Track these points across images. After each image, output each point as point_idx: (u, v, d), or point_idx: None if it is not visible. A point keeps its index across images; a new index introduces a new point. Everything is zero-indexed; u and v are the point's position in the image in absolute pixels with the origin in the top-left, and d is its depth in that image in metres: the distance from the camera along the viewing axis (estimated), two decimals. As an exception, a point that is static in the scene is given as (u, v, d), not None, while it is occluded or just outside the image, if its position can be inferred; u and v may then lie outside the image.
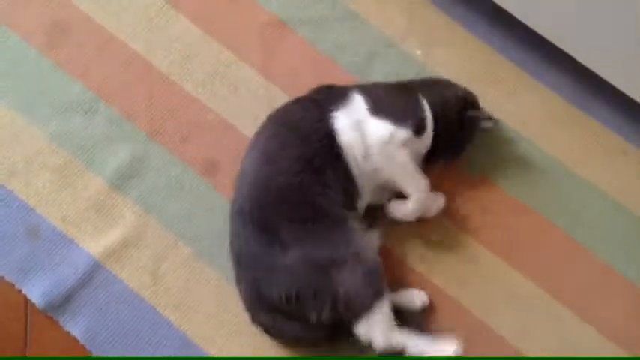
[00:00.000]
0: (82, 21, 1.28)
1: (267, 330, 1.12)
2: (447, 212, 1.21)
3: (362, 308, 1.05)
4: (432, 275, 1.18)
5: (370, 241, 1.11)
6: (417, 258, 1.18)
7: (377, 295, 1.06)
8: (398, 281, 1.16)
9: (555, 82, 1.29)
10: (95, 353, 1.11)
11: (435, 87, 1.19)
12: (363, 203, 1.15)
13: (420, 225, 1.19)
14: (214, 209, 1.18)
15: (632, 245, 1.21)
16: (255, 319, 1.11)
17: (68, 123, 1.22)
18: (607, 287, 1.19)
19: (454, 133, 1.17)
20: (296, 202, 1.08)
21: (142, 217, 1.18)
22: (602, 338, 1.16)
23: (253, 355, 1.13)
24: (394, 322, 1.08)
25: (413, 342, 1.08)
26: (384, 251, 1.17)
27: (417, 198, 1.14)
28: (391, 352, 1.07)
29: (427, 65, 1.28)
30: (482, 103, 1.24)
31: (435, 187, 1.21)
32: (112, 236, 1.16)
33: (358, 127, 1.11)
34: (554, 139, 1.26)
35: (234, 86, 1.25)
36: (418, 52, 1.29)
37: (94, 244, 1.16)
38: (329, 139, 1.10)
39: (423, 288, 1.17)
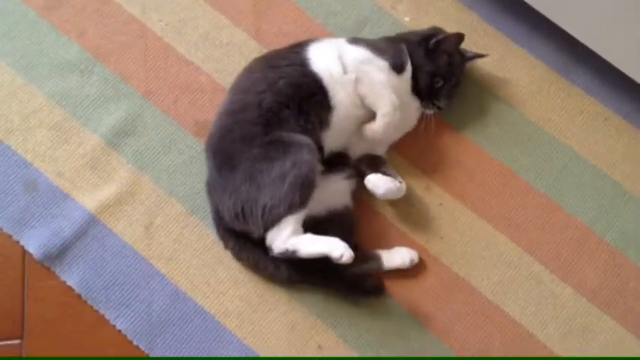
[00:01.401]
0: (79, -16, 1.31)
1: (236, 256, 1.17)
2: (433, 175, 1.24)
3: (275, 219, 1.08)
4: (414, 234, 1.21)
5: (313, 162, 1.09)
6: (401, 217, 1.22)
7: (291, 208, 1.07)
8: (382, 239, 1.20)
9: (540, 50, 1.32)
10: (90, 302, 1.15)
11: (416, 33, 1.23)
12: (333, 139, 1.16)
13: (407, 189, 1.21)
14: (205, 167, 1.20)
15: (611, 208, 1.24)
16: (226, 246, 1.16)
17: (65, 82, 1.25)
18: (585, 248, 1.22)
19: (432, 70, 1.19)
20: (252, 122, 1.10)
21: (135, 173, 1.21)
22: (579, 297, 1.19)
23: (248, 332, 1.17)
24: (300, 233, 1.09)
25: (309, 247, 1.08)
26: (370, 210, 1.21)
27: (385, 112, 1.15)
28: (288, 257, 1.09)
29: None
30: (468, 71, 1.27)
31: (423, 150, 1.25)
32: (107, 192, 1.20)
33: (335, 52, 1.16)
34: (538, 105, 1.29)
35: (227, 50, 1.28)
36: (406, 19, 1.32)
37: (89, 199, 1.19)
38: (300, 65, 1.14)
39: (405, 244, 1.20)
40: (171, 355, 1.14)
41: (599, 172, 1.26)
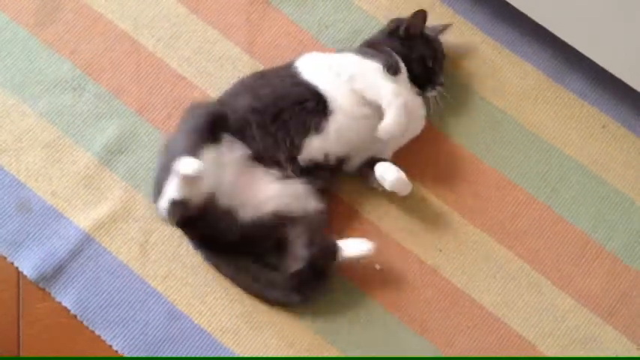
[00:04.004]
0: (71, 1, 1.30)
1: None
2: (430, 186, 1.23)
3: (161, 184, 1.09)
4: (411, 246, 1.20)
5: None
6: (398, 229, 1.21)
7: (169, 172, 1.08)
8: (379, 251, 1.17)
9: (534, 56, 1.31)
10: (86, 323, 1.14)
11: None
12: (333, 143, 1.15)
13: (404, 200, 1.21)
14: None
15: (610, 217, 1.23)
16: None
17: (57, 100, 1.24)
18: (585, 257, 1.21)
19: (420, 56, 1.21)
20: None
21: (129, 191, 1.20)
22: (581, 307, 1.18)
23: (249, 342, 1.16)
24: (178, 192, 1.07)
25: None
26: (366, 222, 1.20)
27: (390, 101, 1.13)
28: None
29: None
30: (458, 76, 1.27)
31: (419, 161, 1.24)
32: (101, 210, 1.19)
33: (324, 61, 1.18)
34: (534, 112, 1.29)
35: (220, 64, 1.28)
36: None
37: (84, 218, 1.18)
38: (290, 76, 1.17)
39: (402, 257, 1.19)
40: (169, 374, 1.13)
41: (599, 180, 1.25)
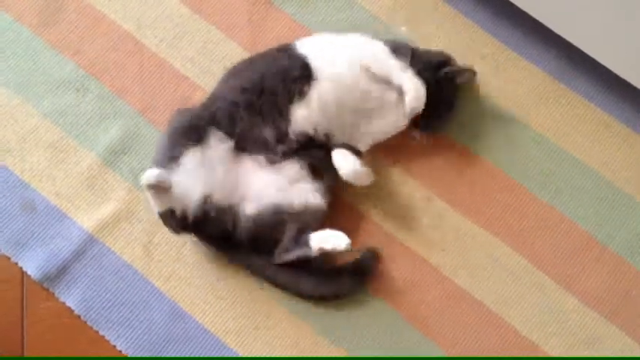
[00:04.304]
0: (74, 1, 1.30)
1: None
2: (434, 186, 1.23)
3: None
4: (415, 246, 1.20)
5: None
6: (401, 229, 1.21)
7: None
8: (382, 251, 1.19)
9: (539, 58, 1.30)
10: (90, 323, 1.14)
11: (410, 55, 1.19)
12: (317, 114, 1.13)
13: (407, 198, 1.21)
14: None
15: (614, 216, 1.23)
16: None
17: (61, 101, 1.24)
18: (589, 257, 1.21)
19: (436, 96, 1.15)
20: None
21: (133, 192, 1.20)
22: (584, 306, 1.18)
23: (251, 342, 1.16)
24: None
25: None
26: (369, 222, 1.20)
27: (407, 76, 1.12)
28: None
29: (412, 41, 1.30)
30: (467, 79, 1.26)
31: (422, 161, 1.24)
32: (105, 210, 1.19)
33: (327, 39, 1.18)
34: (539, 113, 1.28)
35: (223, 64, 1.27)
36: (403, 29, 1.31)
37: (87, 218, 1.19)
38: (285, 51, 1.17)
39: (406, 256, 1.19)
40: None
41: (602, 179, 1.25)
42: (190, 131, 1.11)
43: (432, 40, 1.29)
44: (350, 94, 1.14)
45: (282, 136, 1.13)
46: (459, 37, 1.31)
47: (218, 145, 1.12)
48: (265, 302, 1.16)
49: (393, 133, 1.21)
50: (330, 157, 1.15)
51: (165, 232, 1.18)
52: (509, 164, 1.25)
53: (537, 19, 1.23)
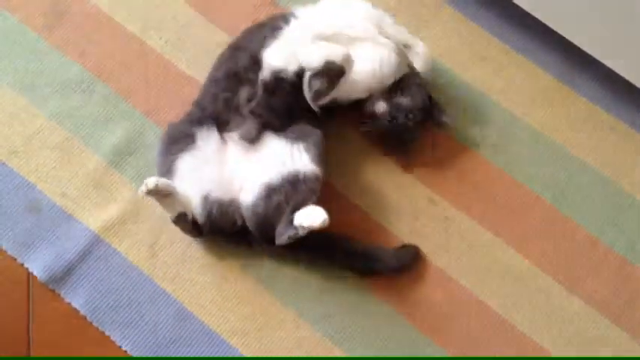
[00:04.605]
0: (79, 3, 1.30)
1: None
2: (438, 188, 1.23)
3: None
4: (422, 247, 1.20)
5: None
6: (406, 230, 1.21)
7: None
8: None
9: (543, 59, 1.31)
10: (96, 324, 1.14)
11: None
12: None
13: (411, 200, 1.22)
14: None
15: (619, 219, 1.23)
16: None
17: (67, 102, 1.25)
18: (594, 260, 1.21)
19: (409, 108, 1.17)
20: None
21: (138, 193, 1.21)
22: (589, 309, 1.18)
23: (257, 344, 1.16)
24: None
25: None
26: (373, 223, 1.20)
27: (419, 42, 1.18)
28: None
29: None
30: (469, 81, 1.26)
31: (426, 163, 1.24)
32: (110, 211, 1.19)
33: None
34: (543, 114, 1.28)
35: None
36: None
37: (93, 219, 1.19)
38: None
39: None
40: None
41: (607, 181, 1.25)
42: (175, 140, 1.14)
43: (435, 42, 1.30)
44: (327, 26, 1.15)
45: (252, 93, 1.14)
46: (462, 39, 1.31)
47: (205, 144, 1.14)
48: (271, 303, 1.16)
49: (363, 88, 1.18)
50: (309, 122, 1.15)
51: (170, 233, 1.19)
52: (514, 166, 1.25)
53: (543, 21, 1.24)
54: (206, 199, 1.11)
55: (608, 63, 1.22)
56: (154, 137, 1.23)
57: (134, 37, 1.29)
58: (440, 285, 1.18)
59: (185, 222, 1.11)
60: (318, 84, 1.12)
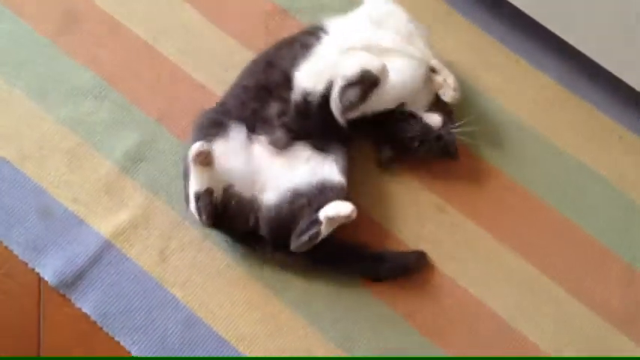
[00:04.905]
0: (91, 10, 1.32)
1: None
2: (446, 195, 1.24)
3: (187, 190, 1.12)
4: (430, 254, 1.20)
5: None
6: (414, 237, 1.22)
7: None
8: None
9: (551, 67, 1.32)
10: (106, 329, 1.15)
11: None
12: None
13: (418, 207, 1.22)
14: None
15: (627, 227, 1.24)
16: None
17: (78, 108, 1.26)
18: (602, 268, 1.21)
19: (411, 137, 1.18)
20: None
21: (149, 198, 1.21)
22: (598, 318, 1.18)
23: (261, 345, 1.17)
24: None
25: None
26: (382, 231, 1.21)
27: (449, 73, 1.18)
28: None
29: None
30: (477, 88, 1.27)
31: (435, 170, 1.24)
32: (121, 217, 1.20)
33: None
34: (551, 123, 1.29)
35: (238, 72, 1.26)
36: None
37: (104, 224, 1.19)
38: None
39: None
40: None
41: (615, 190, 1.26)
42: (210, 124, 1.14)
43: (444, 50, 1.30)
44: (359, 39, 1.15)
45: (285, 108, 1.15)
46: (470, 47, 1.32)
47: (236, 137, 1.14)
48: (280, 310, 1.17)
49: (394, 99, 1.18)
50: (338, 138, 1.17)
51: (180, 239, 1.20)
52: (521, 174, 1.26)
53: (551, 30, 1.24)
54: (227, 190, 1.11)
55: (616, 71, 1.23)
56: (165, 143, 1.24)
57: (146, 44, 1.30)
58: (448, 292, 1.19)
59: (209, 200, 1.09)
60: (351, 94, 1.11)
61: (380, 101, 1.15)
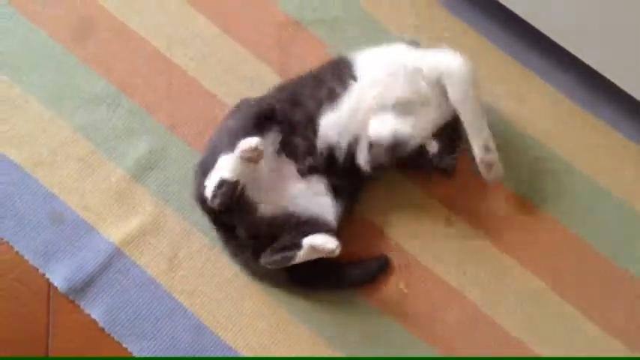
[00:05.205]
0: (106, 19, 1.33)
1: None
2: (455, 208, 1.24)
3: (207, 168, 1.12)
4: (435, 267, 1.21)
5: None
6: (422, 250, 1.21)
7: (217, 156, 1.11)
8: (401, 272, 1.20)
9: (563, 83, 1.31)
10: (114, 336, 1.15)
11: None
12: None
13: (428, 220, 1.22)
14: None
15: (638, 244, 1.23)
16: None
17: (92, 115, 1.27)
18: (610, 284, 1.21)
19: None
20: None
21: (160, 206, 1.22)
22: (606, 334, 1.18)
23: (267, 343, 1.17)
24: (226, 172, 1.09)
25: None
26: (390, 244, 1.21)
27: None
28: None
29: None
30: (491, 103, 1.27)
31: (443, 183, 1.24)
32: (132, 224, 1.21)
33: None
34: (562, 139, 1.29)
35: (250, 83, 1.29)
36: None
37: (114, 232, 1.20)
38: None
39: (427, 279, 1.20)
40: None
41: (626, 207, 1.25)
42: (259, 119, 1.14)
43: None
44: (388, 92, 1.14)
45: (311, 149, 1.16)
46: (483, 62, 1.31)
47: (271, 145, 1.15)
48: (287, 319, 1.17)
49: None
50: (352, 185, 1.18)
51: (190, 247, 1.20)
52: (531, 189, 1.25)
53: (565, 47, 1.24)
54: (243, 188, 1.12)
55: (629, 89, 1.22)
56: (176, 152, 1.25)
57: (159, 53, 1.31)
58: (456, 305, 1.19)
59: (232, 191, 1.08)
60: (381, 157, 1.12)
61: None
